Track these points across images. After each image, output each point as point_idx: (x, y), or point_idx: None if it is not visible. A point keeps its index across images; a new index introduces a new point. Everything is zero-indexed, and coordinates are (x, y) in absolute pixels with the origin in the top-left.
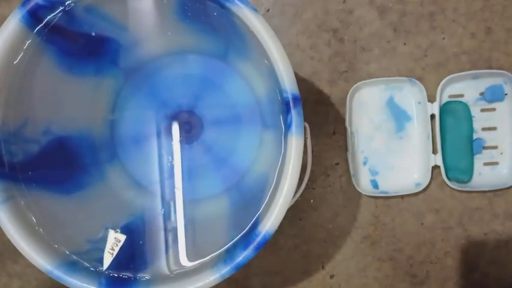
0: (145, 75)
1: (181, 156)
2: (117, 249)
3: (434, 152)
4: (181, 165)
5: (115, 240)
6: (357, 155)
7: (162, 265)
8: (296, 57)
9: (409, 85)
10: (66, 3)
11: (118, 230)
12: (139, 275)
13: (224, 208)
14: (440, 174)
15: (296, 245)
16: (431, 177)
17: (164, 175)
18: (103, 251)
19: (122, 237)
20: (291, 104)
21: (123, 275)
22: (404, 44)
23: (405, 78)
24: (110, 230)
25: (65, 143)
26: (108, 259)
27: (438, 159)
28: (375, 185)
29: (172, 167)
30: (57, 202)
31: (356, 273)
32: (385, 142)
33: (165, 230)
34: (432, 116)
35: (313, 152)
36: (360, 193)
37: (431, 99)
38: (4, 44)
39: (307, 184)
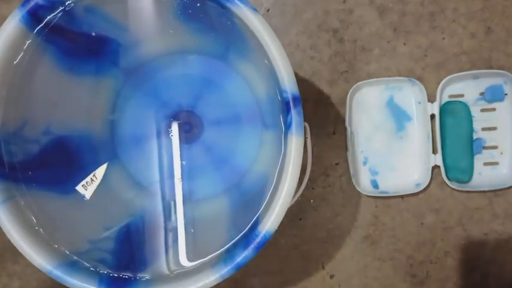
0: (145, 75)
1: (181, 156)
2: (90, 185)
3: (434, 152)
4: (181, 165)
5: (92, 176)
6: (357, 155)
7: (162, 265)
8: (296, 57)
9: (409, 85)
10: (66, 3)
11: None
12: (139, 275)
13: (224, 208)
14: (440, 174)
15: (296, 245)
16: (431, 177)
17: (164, 175)
18: (103, 251)
19: (101, 170)
20: (291, 104)
21: (123, 275)
22: (404, 44)
23: (405, 78)
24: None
25: (65, 143)
26: (80, 187)
27: (438, 159)
28: (375, 185)
29: (172, 167)
30: (57, 202)
31: (356, 273)
32: (385, 142)
33: (165, 230)
34: (432, 116)
35: (313, 152)
36: (360, 193)
37: (431, 99)
38: (4, 44)
39: (307, 184)
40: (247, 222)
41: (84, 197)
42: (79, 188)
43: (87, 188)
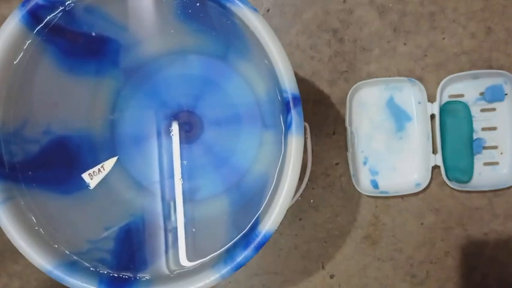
0: (146, 75)
1: (181, 156)
2: (97, 175)
3: (434, 152)
4: (181, 165)
5: (100, 167)
6: (357, 155)
7: (162, 265)
8: (296, 57)
9: (409, 85)
10: (66, 3)
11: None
12: (139, 275)
13: (224, 208)
14: (440, 174)
15: (296, 245)
16: (431, 177)
17: (164, 175)
18: (103, 251)
19: (111, 163)
20: (291, 104)
21: (123, 275)
22: (404, 44)
23: (405, 78)
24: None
25: (65, 143)
26: (86, 176)
27: (438, 159)
28: (375, 185)
29: (172, 167)
30: (57, 202)
31: (356, 273)
32: (385, 142)
33: (165, 230)
34: (432, 116)
35: (313, 152)
36: (360, 193)
37: (431, 99)
38: (4, 44)
39: (307, 184)
40: (247, 222)
41: (88, 186)
42: (85, 176)
43: (93, 177)
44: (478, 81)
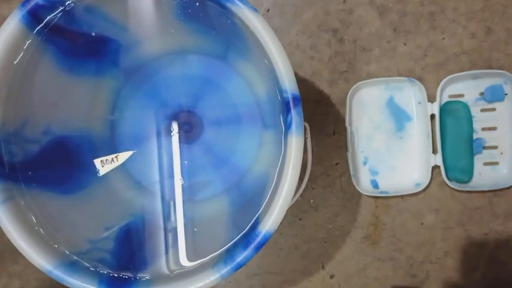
0: (146, 75)
1: (181, 156)
2: (109, 163)
3: (434, 152)
4: (181, 165)
5: (114, 157)
6: (357, 155)
7: (162, 265)
8: (296, 57)
9: (409, 85)
10: (66, 3)
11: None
12: (139, 275)
13: (224, 208)
14: (440, 174)
15: (296, 245)
16: (431, 177)
17: (164, 175)
18: (103, 251)
19: (125, 155)
20: (291, 104)
21: (123, 275)
22: (404, 44)
23: (405, 78)
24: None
25: (65, 143)
26: (98, 162)
27: (438, 159)
28: (375, 185)
29: (172, 167)
30: (57, 202)
31: (356, 273)
32: (385, 142)
33: (165, 230)
34: (432, 116)
35: (313, 152)
36: (360, 193)
37: (431, 99)
38: (4, 44)
39: (307, 184)
40: (247, 222)
41: (98, 172)
42: (97, 161)
43: (104, 165)
44: (478, 81)
